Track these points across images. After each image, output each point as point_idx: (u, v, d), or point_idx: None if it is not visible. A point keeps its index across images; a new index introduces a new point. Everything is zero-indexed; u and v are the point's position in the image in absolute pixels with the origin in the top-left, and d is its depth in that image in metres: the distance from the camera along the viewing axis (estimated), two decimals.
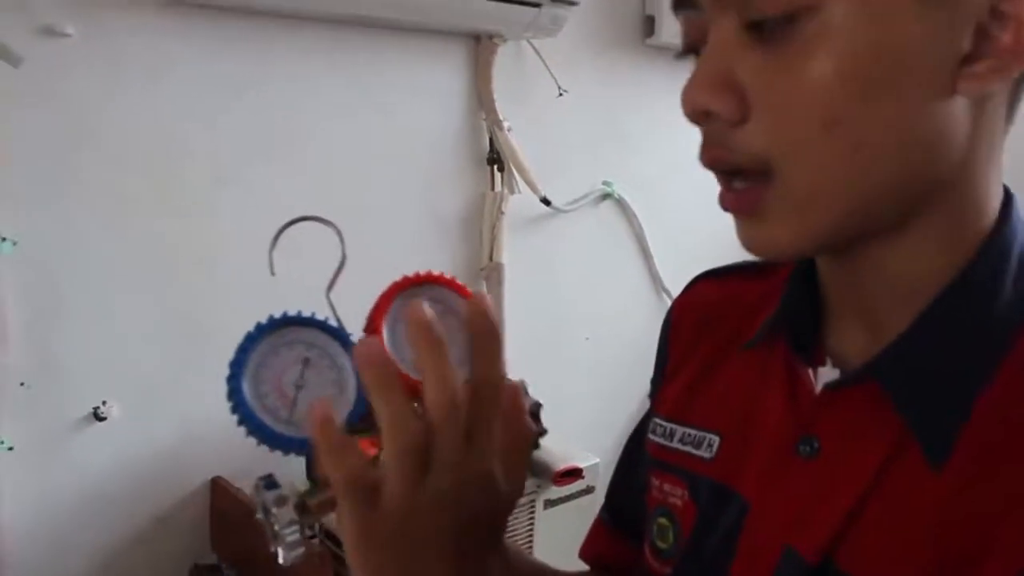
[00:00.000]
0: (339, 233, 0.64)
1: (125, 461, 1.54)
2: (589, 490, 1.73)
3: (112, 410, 1.50)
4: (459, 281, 0.63)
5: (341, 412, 0.57)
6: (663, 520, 0.66)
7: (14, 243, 1.36)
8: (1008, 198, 0.54)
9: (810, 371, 0.59)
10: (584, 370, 2.24)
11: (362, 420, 0.57)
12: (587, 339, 2.23)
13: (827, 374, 0.58)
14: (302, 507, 0.56)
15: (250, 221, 1.63)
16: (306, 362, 0.60)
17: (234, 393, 0.56)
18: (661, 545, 0.66)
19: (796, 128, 0.47)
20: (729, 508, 0.60)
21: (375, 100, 1.77)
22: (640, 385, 2.52)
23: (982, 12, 0.46)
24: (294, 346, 0.59)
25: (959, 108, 0.48)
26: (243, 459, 1.68)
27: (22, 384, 1.42)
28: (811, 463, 0.55)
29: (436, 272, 0.65)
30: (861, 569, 0.51)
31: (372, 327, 0.62)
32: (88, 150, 1.44)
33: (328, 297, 0.64)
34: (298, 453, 0.57)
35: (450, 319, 0.61)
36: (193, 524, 1.63)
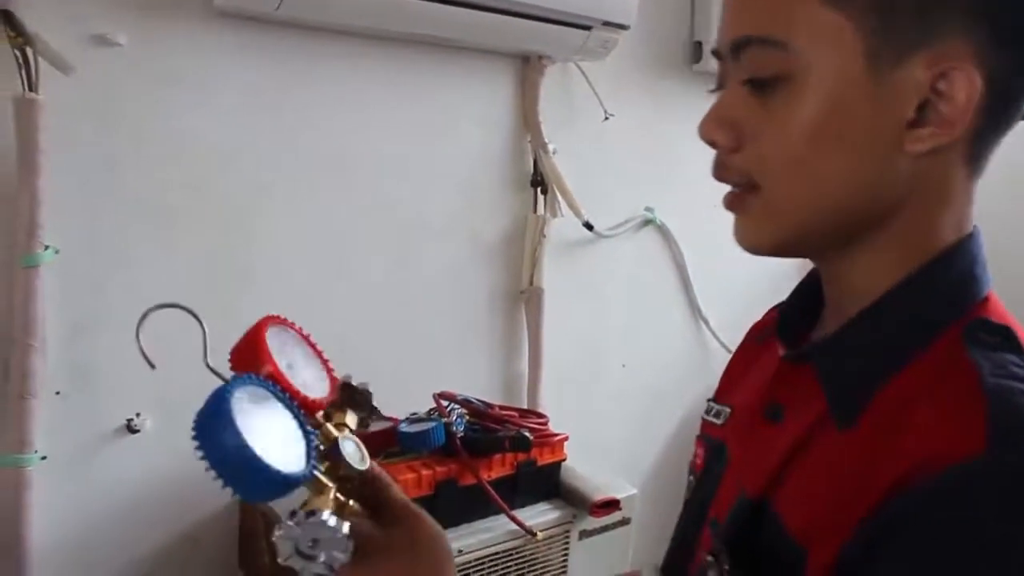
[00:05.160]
0: (196, 316, 0.73)
1: (156, 475, 1.52)
2: (625, 522, 1.68)
3: (146, 423, 1.49)
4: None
5: (298, 447, 0.66)
6: (690, 478, 0.84)
7: (56, 251, 1.35)
8: (969, 236, 0.65)
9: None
10: (620, 398, 2.20)
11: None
12: (624, 366, 2.20)
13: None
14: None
15: (291, 236, 1.62)
16: (254, 413, 0.65)
17: (253, 459, 0.60)
18: (687, 496, 0.84)
19: (770, 161, 0.63)
20: (720, 462, 0.77)
21: (420, 117, 1.75)
22: (676, 414, 2.50)
23: (924, 90, 0.59)
24: (242, 401, 0.65)
25: (906, 161, 0.61)
26: None
27: (57, 393, 1.41)
28: (774, 426, 0.70)
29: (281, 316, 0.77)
30: (786, 509, 0.64)
31: (257, 357, 0.72)
32: (133, 160, 1.44)
33: (208, 364, 0.73)
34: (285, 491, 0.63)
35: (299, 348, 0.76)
36: (221, 541, 1.61)
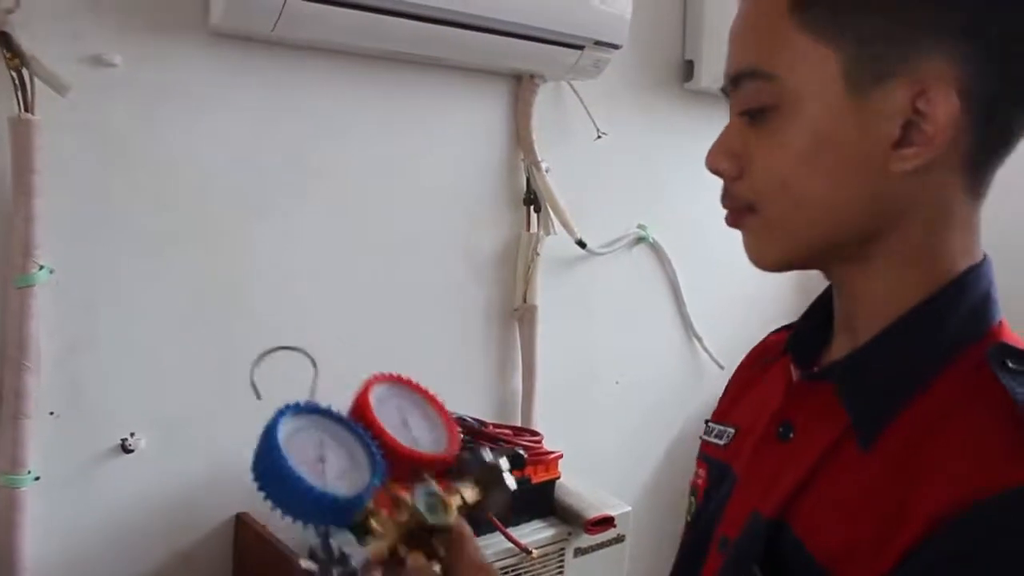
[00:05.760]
0: (311, 358, 0.81)
1: (151, 495, 1.52)
2: (620, 539, 1.68)
3: (140, 443, 1.48)
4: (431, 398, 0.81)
5: (360, 481, 0.69)
6: (692, 498, 0.85)
7: (51, 271, 1.35)
8: (982, 262, 0.67)
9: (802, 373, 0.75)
10: (614, 415, 2.20)
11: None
12: (617, 383, 2.20)
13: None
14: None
15: (284, 256, 1.62)
16: (321, 442, 0.71)
17: (286, 471, 0.65)
18: (688, 518, 0.85)
19: (764, 186, 0.67)
20: (726, 482, 0.77)
21: (414, 136, 1.76)
22: (670, 431, 2.51)
23: (907, 111, 0.61)
24: (308, 430, 0.71)
25: (895, 180, 0.63)
26: None
27: (51, 413, 1.40)
28: (785, 444, 0.71)
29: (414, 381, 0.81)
30: (807, 530, 0.64)
31: (361, 411, 0.76)
32: (128, 180, 1.44)
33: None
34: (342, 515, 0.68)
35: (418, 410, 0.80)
36: (216, 560, 1.60)
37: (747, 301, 2.26)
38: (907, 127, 0.61)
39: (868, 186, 0.64)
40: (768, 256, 0.70)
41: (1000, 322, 0.66)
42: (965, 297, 0.65)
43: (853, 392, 0.66)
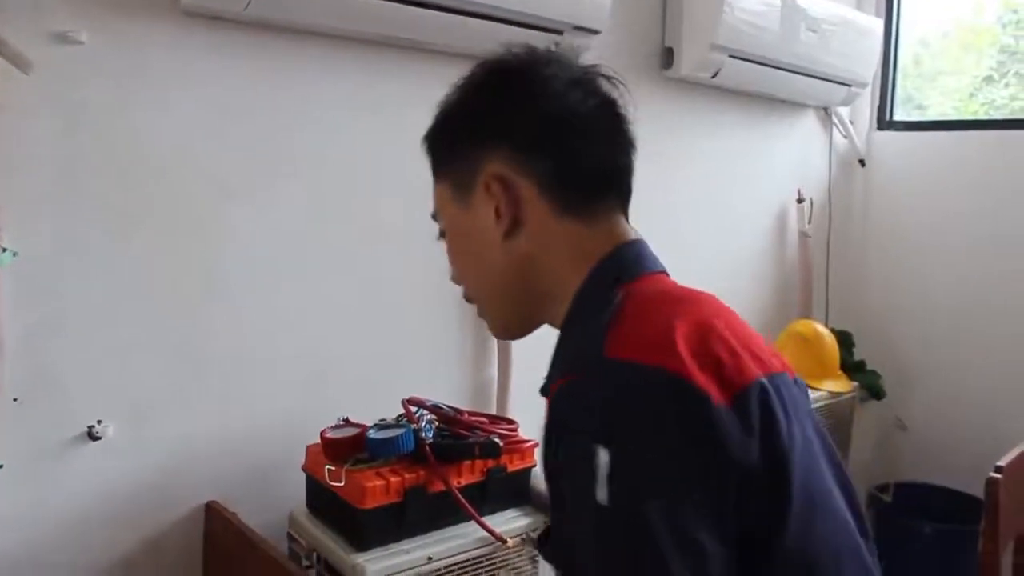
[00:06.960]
0: None
1: (118, 482, 1.49)
2: None
3: (107, 430, 1.46)
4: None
5: None
6: None
7: (14, 253, 1.32)
8: (608, 255, 0.90)
9: None
10: None
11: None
12: None
13: None
14: None
15: (256, 240, 1.59)
16: None
17: None
18: None
19: (463, 285, 0.99)
20: None
21: (389, 121, 1.74)
22: None
23: (488, 198, 0.90)
24: None
25: (510, 243, 0.90)
26: (238, 484, 1.64)
27: (15, 399, 1.37)
28: None
29: None
30: None
31: None
32: (95, 160, 1.41)
33: None
34: None
35: None
36: (186, 549, 1.57)
37: (721, 293, 2.23)
38: (496, 209, 0.89)
39: (499, 254, 0.91)
40: (496, 331, 1.01)
41: (640, 277, 0.89)
42: (594, 282, 0.88)
43: (546, 388, 0.87)
